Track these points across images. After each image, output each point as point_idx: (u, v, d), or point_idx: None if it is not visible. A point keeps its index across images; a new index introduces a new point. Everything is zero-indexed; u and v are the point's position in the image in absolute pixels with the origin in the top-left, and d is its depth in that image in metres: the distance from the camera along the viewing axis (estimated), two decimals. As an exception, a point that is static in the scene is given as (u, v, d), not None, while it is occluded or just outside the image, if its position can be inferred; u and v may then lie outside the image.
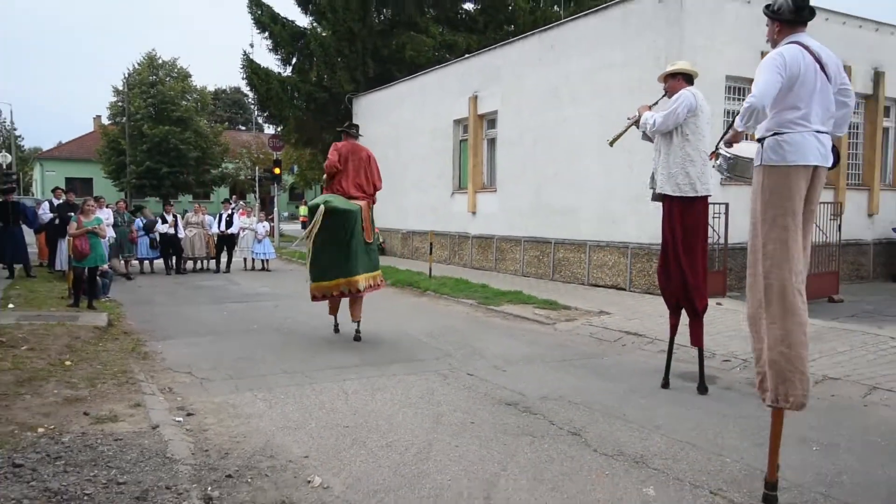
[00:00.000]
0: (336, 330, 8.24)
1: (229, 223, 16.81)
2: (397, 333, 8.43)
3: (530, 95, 13.84)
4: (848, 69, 11.58)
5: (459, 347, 7.55)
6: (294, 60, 23.64)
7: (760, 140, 3.70)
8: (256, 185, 39.71)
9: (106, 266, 10.44)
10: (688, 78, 5.74)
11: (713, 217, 10.72)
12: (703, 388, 5.77)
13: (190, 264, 16.76)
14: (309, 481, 3.75)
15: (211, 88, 53.70)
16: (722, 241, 10.76)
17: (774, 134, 3.64)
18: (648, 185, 6.22)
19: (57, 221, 13.62)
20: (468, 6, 25.91)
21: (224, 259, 16.82)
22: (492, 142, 15.75)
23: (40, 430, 4.31)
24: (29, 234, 14.12)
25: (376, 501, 3.53)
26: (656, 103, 6.14)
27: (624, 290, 11.61)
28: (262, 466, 3.96)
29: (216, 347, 7.40)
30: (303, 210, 32.85)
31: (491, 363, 6.79)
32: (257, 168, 41.53)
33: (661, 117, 5.64)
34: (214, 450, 4.22)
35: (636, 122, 6.07)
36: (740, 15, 11.08)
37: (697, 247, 5.86)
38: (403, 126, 18.90)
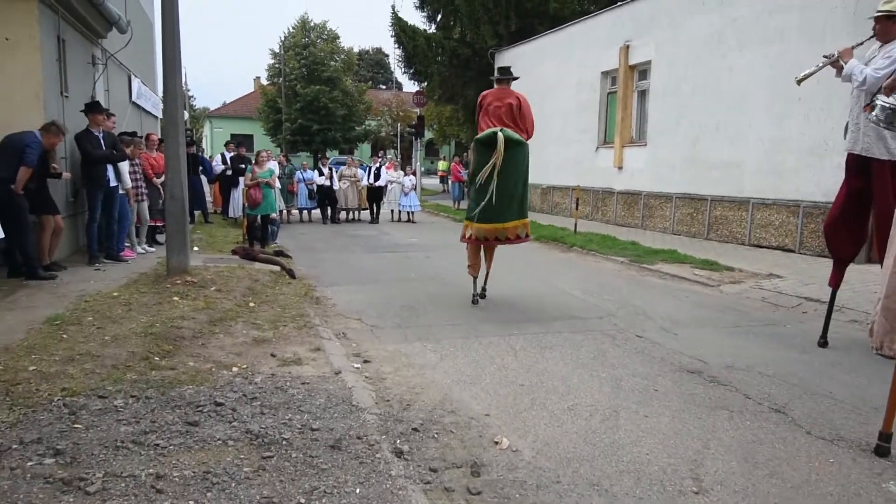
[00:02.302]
0: (475, 301, 6.92)
1: (377, 176, 17.01)
2: (551, 289, 8.01)
3: (689, 43, 12.57)
4: None
5: (620, 306, 7.01)
6: (439, 17, 23.23)
7: None
8: (398, 140, 40.26)
9: (275, 214, 10.80)
10: None
11: None
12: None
13: (343, 214, 17.21)
14: (496, 442, 3.46)
15: (356, 50, 54.69)
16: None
17: None
18: (845, 137, 5.33)
19: (229, 172, 14.34)
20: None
21: (375, 210, 17.11)
22: (642, 94, 14.61)
23: (234, 369, 4.35)
24: (205, 184, 15.03)
25: (571, 471, 3.18)
26: (860, 44, 5.18)
27: (793, 251, 10.40)
28: (445, 422, 3.73)
29: (380, 295, 7.36)
30: (441, 165, 32.92)
31: (658, 325, 6.22)
32: (399, 125, 42.03)
33: (873, 76, 4.70)
34: (396, 400, 4.06)
35: (833, 63, 5.18)
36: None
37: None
38: (547, 80, 18.03)
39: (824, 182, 9.80)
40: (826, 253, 9.88)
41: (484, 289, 7.24)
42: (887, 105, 4.01)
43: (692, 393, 4.32)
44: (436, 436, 3.53)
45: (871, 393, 4.38)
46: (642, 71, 14.49)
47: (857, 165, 5.13)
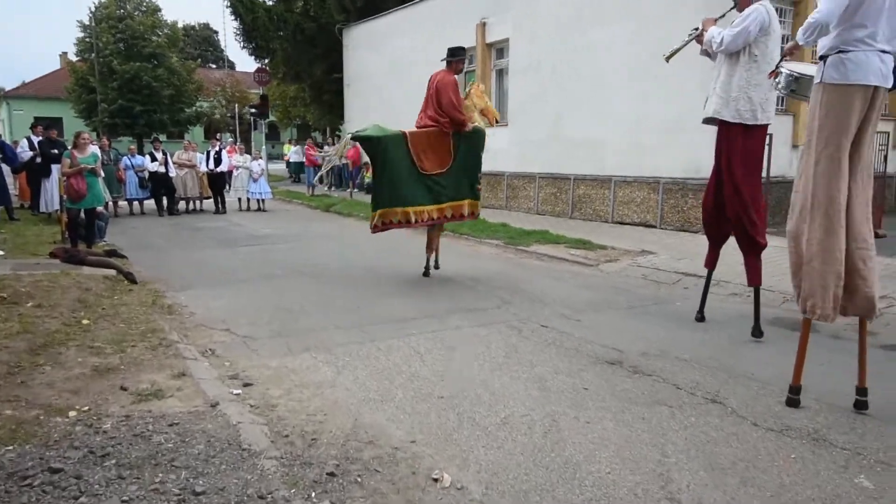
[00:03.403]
0: (426, 273, 7.54)
1: (218, 161, 15.48)
2: (437, 278, 7.51)
3: (547, 20, 12.57)
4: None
5: (513, 293, 6.68)
6: (279, -12, 21.68)
7: (823, 58, 3.52)
8: (236, 123, 37.70)
9: (102, 207, 9.24)
10: None
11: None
12: (758, 332, 5.10)
13: (183, 204, 15.49)
14: (436, 479, 2.86)
15: (180, 25, 50.25)
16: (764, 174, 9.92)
17: (838, 52, 3.46)
18: (704, 108, 5.33)
19: (39, 160, 12.19)
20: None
21: (219, 199, 15.57)
22: (501, 72, 14.52)
23: (72, 413, 3.34)
24: (8, 174, 12.67)
25: (534, 507, 2.67)
26: (722, 16, 5.23)
27: (654, 227, 10.78)
28: (365, 457, 3.06)
29: (246, 297, 6.40)
30: (287, 148, 31.24)
31: (557, 311, 5.94)
32: (235, 106, 39.35)
33: (730, 35, 4.75)
34: (296, 434, 3.30)
35: (698, 37, 5.20)
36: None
37: (756, 178, 5.13)
38: (401, 57, 17.44)
39: (682, 159, 10.21)
40: (687, 227, 10.40)
41: (437, 262, 7.70)
42: (790, 72, 4.02)
43: (623, 388, 4.01)
44: (359, 479, 2.86)
45: (786, 368, 4.33)
46: (500, 49, 14.37)
47: (723, 139, 5.12)
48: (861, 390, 3.68)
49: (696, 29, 5.21)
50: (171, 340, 4.69)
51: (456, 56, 7.26)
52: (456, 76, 7.17)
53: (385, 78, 18.30)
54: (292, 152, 26.26)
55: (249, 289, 6.83)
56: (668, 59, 5.55)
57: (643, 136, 10.87)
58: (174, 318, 5.47)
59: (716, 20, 5.19)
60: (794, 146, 10.59)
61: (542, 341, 5.01)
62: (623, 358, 4.60)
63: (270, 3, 22.13)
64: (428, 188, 7.00)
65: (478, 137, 7.20)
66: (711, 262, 5.62)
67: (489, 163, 14.48)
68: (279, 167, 31.89)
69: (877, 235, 9.96)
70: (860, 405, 3.65)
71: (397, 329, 5.31)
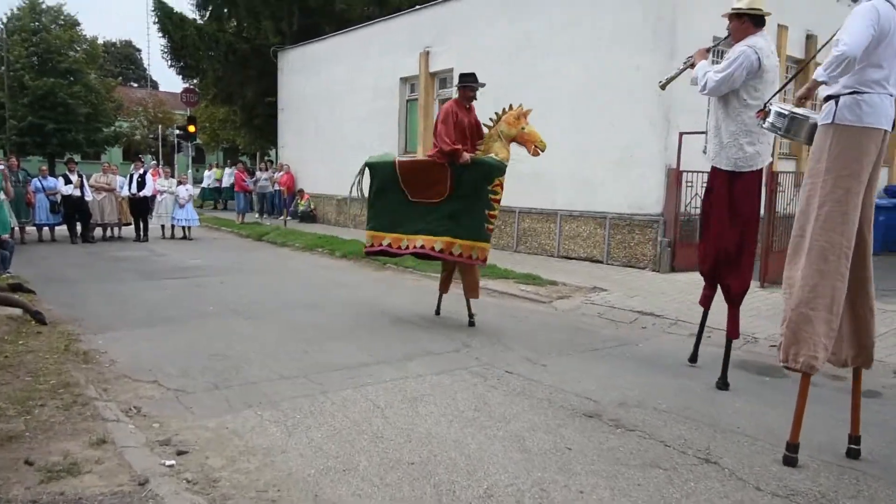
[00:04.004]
0: (437, 312, 7.15)
1: (142, 185, 14.52)
2: (387, 317, 7.06)
3: (492, 50, 12.48)
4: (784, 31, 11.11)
5: (470, 334, 6.32)
6: (211, 7, 20.90)
7: (833, 97, 3.37)
8: (159, 145, 36.10)
9: (7, 235, 8.31)
10: (756, 20, 4.60)
11: (702, 186, 9.99)
12: (723, 384, 4.79)
13: (99, 231, 14.39)
14: (421, 576, 2.42)
15: (100, 41, 48.07)
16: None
17: (853, 93, 3.33)
18: (705, 151, 5.18)
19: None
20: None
21: (141, 225, 14.55)
22: (444, 102, 14.32)
23: (-39, 501, 2.70)
24: None
25: None
26: (717, 45, 5.11)
27: (601, 262, 10.69)
28: (333, 548, 2.58)
29: (176, 340, 5.75)
30: (217, 173, 30.05)
31: (520, 355, 5.60)
32: (160, 127, 37.73)
33: (714, 81, 4.53)
34: (247, 519, 2.78)
35: (692, 66, 4.98)
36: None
37: (750, 224, 4.84)
38: (339, 83, 17.05)
39: (630, 194, 10.21)
40: (633, 263, 10.37)
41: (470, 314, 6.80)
42: (783, 111, 3.74)
43: (608, 447, 3.68)
44: (329, 580, 2.38)
45: (769, 419, 4.15)
46: (443, 79, 14.21)
47: (720, 182, 4.93)
48: (854, 439, 3.60)
49: (691, 57, 5.01)
50: (88, 397, 4.04)
51: (462, 82, 6.69)
52: (466, 103, 6.63)
53: (321, 104, 17.84)
54: (224, 175, 25.14)
55: (179, 330, 6.17)
56: (663, 87, 5.41)
57: (590, 170, 10.84)
58: (91, 368, 4.78)
59: (709, 50, 5.03)
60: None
61: (511, 391, 4.64)
62: (600, 410, 4.29)
63: (201, 21, 21.33)
64: (420, 215, 6.47)
65: (482, 170, 6.26)
66: (707, 300, 5.26)
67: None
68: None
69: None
70: (853, 453, 3.57)
71: (350, 378, 4.82)
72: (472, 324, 6.64)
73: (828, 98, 3.39)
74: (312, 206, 18.45)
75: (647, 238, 10.03)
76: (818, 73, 3.30)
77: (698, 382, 4.98)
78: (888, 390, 4.92)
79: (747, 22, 4.63)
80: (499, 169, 6.33)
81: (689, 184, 9.76)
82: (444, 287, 7.13)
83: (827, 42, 3.61)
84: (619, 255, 10.50)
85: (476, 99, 6.74)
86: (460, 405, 4.30)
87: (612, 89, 10.28)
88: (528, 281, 9.20)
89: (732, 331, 4.97)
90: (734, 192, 4.78)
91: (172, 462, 3.29)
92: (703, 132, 10.26)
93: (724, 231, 4.79)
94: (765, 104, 3.92)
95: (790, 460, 3.47)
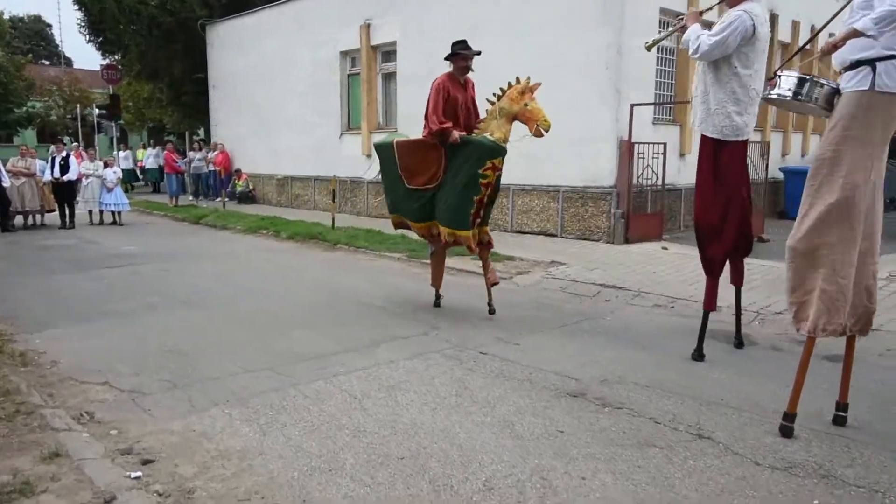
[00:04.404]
0: (436, 303, 6.55)
1: (65, 168, 13.58)
2: (345, 300, 6.80)
3: (439, 24, 12.13)
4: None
5: (436, 315, 6.16)
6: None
7: (867, 62, 3.19)
8: (78, 126, 34.05)
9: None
10: None
11: (653, 157, 10.09)
12: (738, 342, 5.01)
13: (19, 219, 13.41)
14: (436, 584, 2.25)
15: (6, 16, 44.70)
16: (659, 182, 10.14)
17: (891, 57, 3.16)
18: (691, 118, 5.08)
19: None
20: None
21: (67, 212, 13.65)
22: (388, 76, 13.94)
23: None
24: None
25: None
26: (710, 9, 5.01)
27: (555, 236, 10.68)
28: (333, 559, 2.37)
29: (123, 336, 5.33)
30: (141, 153, 28.59)
31: (491, 335, 5.47)
32: (78, 107, 35.56)
33: (707, 45, 4.37)
34: (233, 533, 2.54)
35: (682, 28, 4.85)
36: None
37: (737, 195, 4.76)
38: (275, 58, 16.34)
39: (582, 167, 10.19)
40: (587, 235, 10.40)
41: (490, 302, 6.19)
42: (805, 76, 3.49)
43: (600, 427, 3.59)
44: None
45: (754, 392, 4.15)
46: (387, 52, 13.79)
47: (711, 152, 4.78)
48: (843, 406, 3.62)
49: (681, 18, 4.86)
50: (33, 404, 3.66)
51: (454, 52, 5.99)
52: (460, 76, 6.04)
53: (256, 79, 17.10)
54: (150, 156, 23.93)
55: (125, 324, 5.74)
56: (648, 48, 5.30)
57: (542, 146, 10.66)
58: (31, 371, 4.36)
59: (701, 13, 4.87)
60: (682, 155, 10.93)
61: (489, 373, 4.50)
62: (583, 388, 4.20)
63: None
64: (419, 204, 6.03)
65: (472, 151, 5.69)
66: (713, 301, 4.88)
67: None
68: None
69: (760, 240, 10.47)
70: (839, 420, 3.60)
71: (319, 368, 4.57)
72: (491, 310, 6.06)
73: (857, 63, 3.21)
74: (251, 187, 17.77)
75: (601, 210, 10.06)
76: (865, 25, 3.04)
77: (672, 355, 4.96)
78: (858, 354, 5.03)
79: None
80: (490, 150, 5.66)
81: (641, 155, 9.81)
82: (436, 280, 6.54)
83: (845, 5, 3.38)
84: (573, 228, 10.50)
85: (471, 70, 6.09)
86: (440, 391, 4.13)
87: (562, 65, 10.15)
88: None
89: (740, 279, 4.96)
90: (720, 162, 4.68)
91: (139, 473, 2.99)
92: (652, 104, 10.41)
93: (708, 202, 4.72)
94: (775, 72, 3.61)
95: (787, 430, 3.46)
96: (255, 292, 7.19)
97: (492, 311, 6.06)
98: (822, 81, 3.39)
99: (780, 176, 13.27)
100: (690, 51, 4.57)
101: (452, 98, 5.91)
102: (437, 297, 6.55)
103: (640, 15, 9.87)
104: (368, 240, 10.54)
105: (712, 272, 4.84)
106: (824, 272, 3.32)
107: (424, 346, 5.14)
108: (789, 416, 3.47)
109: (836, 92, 3.35)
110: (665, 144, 10.04)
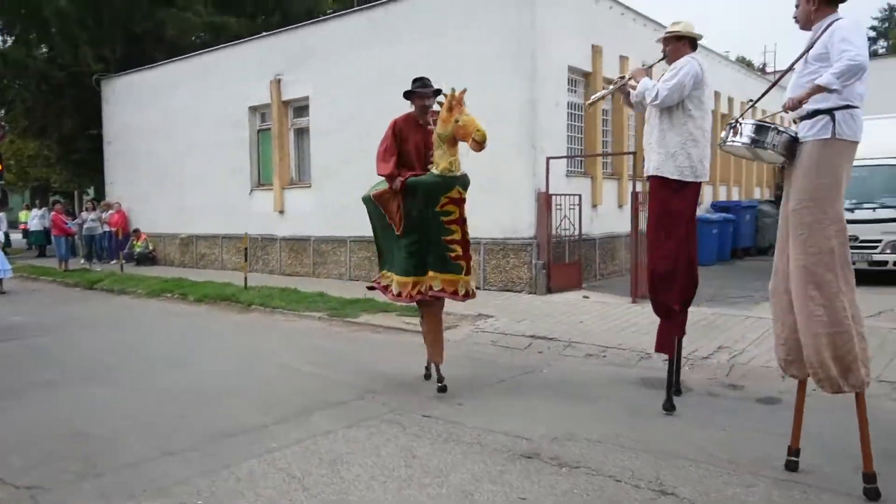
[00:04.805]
0: (426, 376, 5.71)
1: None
2: (269, 366, 6.39)
3: (353, 80, 12.16)
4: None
5: (370, 378, 5.86)
6: (18, 31, 18.52)
7: (826, 112, 3.34)
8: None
9: None
10: (692, 43, 4.79)
11: (570, 208, 10.34)
12: (669, 405, 4.71)
13: None
14: None
15: None
16: (576, 232, 10.39)
17: (847, 107, 3.34)
18: (644, 166, 5.15)
19: None
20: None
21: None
22: (300, 132, 13.71)
23: None
24: None
25: None
26: (651, 66, 5.19)
27: (478, 288, 10.59)
28: None
29: (18, 421, 4.70)
30: (23, 215, 26.56)
31: (430, 395, 5.26)
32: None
33: (666, 89, 4.57)
34: None
35: (621, 87, 5.07)
36: (580, 8, 10.84)
37: (693, 234, 4.94)
38: (179, 113, 15.80)
39: (501, 220, 10.30)
40: (510, 287, 10.43)
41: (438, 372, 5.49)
42: (767, 124, 3.57)
43: (563, 491, 3.43)
44: None
45: (702, 440, 4.15)
46: (299, 108, 13.60)
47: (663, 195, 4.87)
48: (795, 451, 3.65)
49: (622, 78, 5.02)
50: None
51: (411, 90, 5.44)
52: (419, 117, 5.45)
53: (157, 135, 16.42)
54: (34, 218, 22.24)
55: (19, 406, 5.08)
56: (589, 105, 5.44)
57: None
58: None
59: (646, 70, 5.03)
60: (594, 206, 11.30)
61: (437, 437, 4.27)
62: (536, 448, 4.04)
63: (4, 46, 18.85)
64: (407, 254, 5.35)
65: (421, 194, 5.17)
66: (669, 344, 4.86)
67: (292, 227, 13.47)
68: (16, 237, 26.91)
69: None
70: (792, 466, 3.63)
71: (250, 444, 4.18)
72: (439, 381, 5.37)
73: (816, 113, 3.35)
74: (151, 247, 16.81)
75: (523, 261, 10.15)
76: (829, 81, 3.19)
77: (615, 406, 4.93)
78: (785, 395, 5.18)
79: (686, 44, 4.78)
80: (436, 186, 5.09)
81: (559, 206, 10.05)
82: (435, 351, 5.58)
83: (804, 56, 3.50)
84: (495, 280, 10.52)
85: (430, 108, 5.42)
86: (387, 462, 3.85)
87: (477, 117, 10.33)
88: (412, 313, 8.85)
89: (663, 345, 4.88)
90: (672, 206, 4.74)
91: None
92: (566, 156, 10.72)
93: (661, 248, 4.76)
94: (735, 120, 3.65)
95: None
96: (167, 363, 6.61)
97: (439, 382, 5.40)
98: (781, 129, 3.49)
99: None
100: (649, 99, 4.70)
101: (406, 139, 5.42)
102: (428, 368, 5.69)
103: (550, 72, 10.27)
104: (284, 299, 10.11)
105: (668, 315, 4.85)
106: (846, 322, 3.32)
107: (362, 411, 4.84)
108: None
109: (795, 140, 3.47)
110: (580, 196, 10.35)
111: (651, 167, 4.81)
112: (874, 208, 10.31)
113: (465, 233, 5.35)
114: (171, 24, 19.18)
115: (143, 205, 17.20)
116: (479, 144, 4.96)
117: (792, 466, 3.62)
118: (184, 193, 15.87)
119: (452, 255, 5.25)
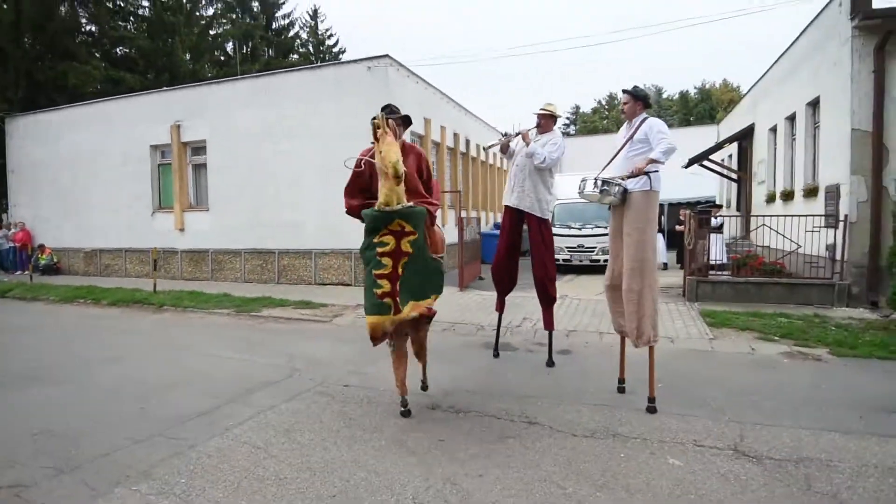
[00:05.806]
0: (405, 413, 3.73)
1: None
2: (199, 356, 5.52)
3: (243, 130, 10.99)
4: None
5: (289, 358, 5.33)
6: None
7: (646, 174, 3.71)
8: None
9: None
10: (555, 120, 4.91)
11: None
12: (551, 363, 4.92)
13: None
14: None
15: None
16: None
17: (656, 171, 3.76)
18: (510, 199, 4.93)
19: None
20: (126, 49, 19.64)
21: None
22: (198, 167, 12.06)
23: None
24: None
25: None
26: (530, 130, 5.02)
27: (350, 285, 10.24)
28: None
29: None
30: None
31: (343, 369, 4.93)
32: None
33: (552, 159, 4.68)
34: None
35: (507, 141, 4.88)
36: (416, 91, 10.96)
37: (551, 251, 4.94)
38: (83, 149, 12.99)
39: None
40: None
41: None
42: (614, 181, 3.76)
43: (467, 431, 3.42)
44: None
45: (541, 383, 4.33)
46: (196, 148, 11.95)
47: (516, 220, 4.93)
48: (621, 379, 4.09)
49: (506, 135, 4.86)
50: None
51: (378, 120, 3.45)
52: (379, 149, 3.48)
53: (61, 167, 13.39)
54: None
55: (-44, 416, 3.80)
56: (486, 149, 5.31)
57: (335, 219, 10.29)
58: None
59: (528, 132, 4.81)
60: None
61: (361, 401, 4.02)
62: (436, 401, 3.99)
63: None
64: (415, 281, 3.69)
65: (365, 229, 3.59)
66: (501, 307, 5.23)
67: (192, 241, 11.77)
68: None
69: (480, 279, 11.26)
70: (621, 390, 4.04)
71: (209, 424, 3.58)
72: (424, 387, 4.13)
73: (636, 176, 3.71)
74: (56, 260, 13.66)
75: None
76: (658, 156, 3.60)
77: (471, 364, 4.99)
78: (572, 349, 5.64)
79: (553, 120, 4.84)
80: (373, 220, 3.49)
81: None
82: (420, 358, 4.08)
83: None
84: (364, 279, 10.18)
85: (399, 137, 3.74)
86: (331, 426, 3.54)
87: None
88: (303, 306, 8.27)
89: (550, 325, 5.00)
90: (534, 229, 4.81)
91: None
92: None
93: (502, 258, 4.93)
94: (596, 178, 3.80)
95: (621, 389, 4.02)
96: (102, 360, 5.41)
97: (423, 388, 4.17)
98: (618, 182, 3.76)
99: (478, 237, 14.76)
100: (537, 161, 4.65)
101: (377, 171, 3.56)
102: (405, 404, 3.76)
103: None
104: (193, 300, 8.83)
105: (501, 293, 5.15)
106: (651, 304, 3.70)
107: (294, 387, 4.40)
108: (651, 399, 3.71)
109: (626, 191, 3.79)
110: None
111: (511, 200, 4.85)
112: (592, 227, 11.84)
113: (405, 266, 3.54)
114: (73, 74, 15.78)
115: (46, 224, 13.90)
116: (395, 178, 3.31)
117: (621, 390, 4.02)
118: (89, 216, 13.13)
119: (379, 292, 3.51)
